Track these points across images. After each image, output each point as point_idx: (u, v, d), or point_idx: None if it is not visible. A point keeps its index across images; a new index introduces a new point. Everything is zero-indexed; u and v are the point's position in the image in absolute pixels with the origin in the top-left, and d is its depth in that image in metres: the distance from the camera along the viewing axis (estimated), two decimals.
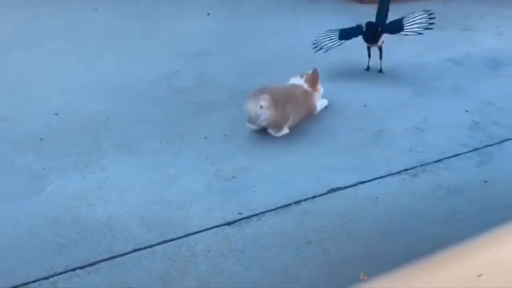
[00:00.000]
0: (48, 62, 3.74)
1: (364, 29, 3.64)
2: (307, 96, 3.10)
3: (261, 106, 2.81)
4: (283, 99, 2.90)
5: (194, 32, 4.45)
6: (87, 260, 2.00)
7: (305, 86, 3.11)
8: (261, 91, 2.86)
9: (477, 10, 5.46)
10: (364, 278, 1.63)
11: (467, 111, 3.29)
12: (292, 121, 2.97)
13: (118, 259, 2.02)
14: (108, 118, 3.03)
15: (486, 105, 3.38)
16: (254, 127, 2.92)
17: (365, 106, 3.32)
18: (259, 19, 4.80)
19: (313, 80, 3.13)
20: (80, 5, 4.93)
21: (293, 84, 3.11)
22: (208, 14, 4.91)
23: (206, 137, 2.87)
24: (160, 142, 2.82)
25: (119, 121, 3.00)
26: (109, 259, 2.01)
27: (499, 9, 5.49)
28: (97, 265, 1.98)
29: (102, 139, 2.83)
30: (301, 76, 3.15)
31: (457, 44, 4.47)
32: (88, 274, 1.94)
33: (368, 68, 3.76)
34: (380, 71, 3.73)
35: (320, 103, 3.21)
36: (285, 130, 2.95)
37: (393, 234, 2.23)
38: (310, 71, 3.17)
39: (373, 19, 3.73)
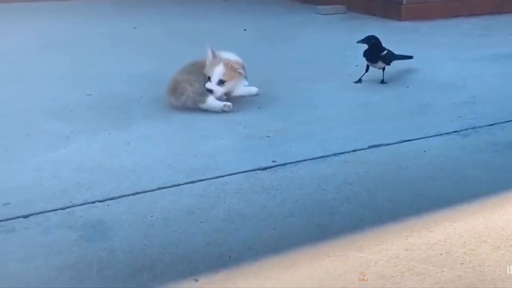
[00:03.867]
0: (90, 58, 3.73)
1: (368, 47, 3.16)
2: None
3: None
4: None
5: (231, 42, 4.42)
6: (108, 195, 1.85)
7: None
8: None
9: None
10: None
11: None
12: None
13: (140, 194, 1.87)
14: (141, 97, 2.93)
15: None
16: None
17: (407, 87, 3.14)
18: (293, 32, 4.75)
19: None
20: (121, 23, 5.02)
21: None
22: (245, 29, 4.90)
23: (239, 110, 2.74)
24: (192, 114, 2.70)
25: (152, 99, 2.90)
26: (131, 194, 1.87)
27: None
28: (118, 199, 1.83)
29: (133, 111, 2.72)
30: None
31: (504, 45, 4.28)
32: (108, 206, 1.79)
33: (359, 81, 3.19)
34: (383, 81, 3.19)
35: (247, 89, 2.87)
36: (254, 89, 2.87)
37: (445, 178, 2.01)
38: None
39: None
